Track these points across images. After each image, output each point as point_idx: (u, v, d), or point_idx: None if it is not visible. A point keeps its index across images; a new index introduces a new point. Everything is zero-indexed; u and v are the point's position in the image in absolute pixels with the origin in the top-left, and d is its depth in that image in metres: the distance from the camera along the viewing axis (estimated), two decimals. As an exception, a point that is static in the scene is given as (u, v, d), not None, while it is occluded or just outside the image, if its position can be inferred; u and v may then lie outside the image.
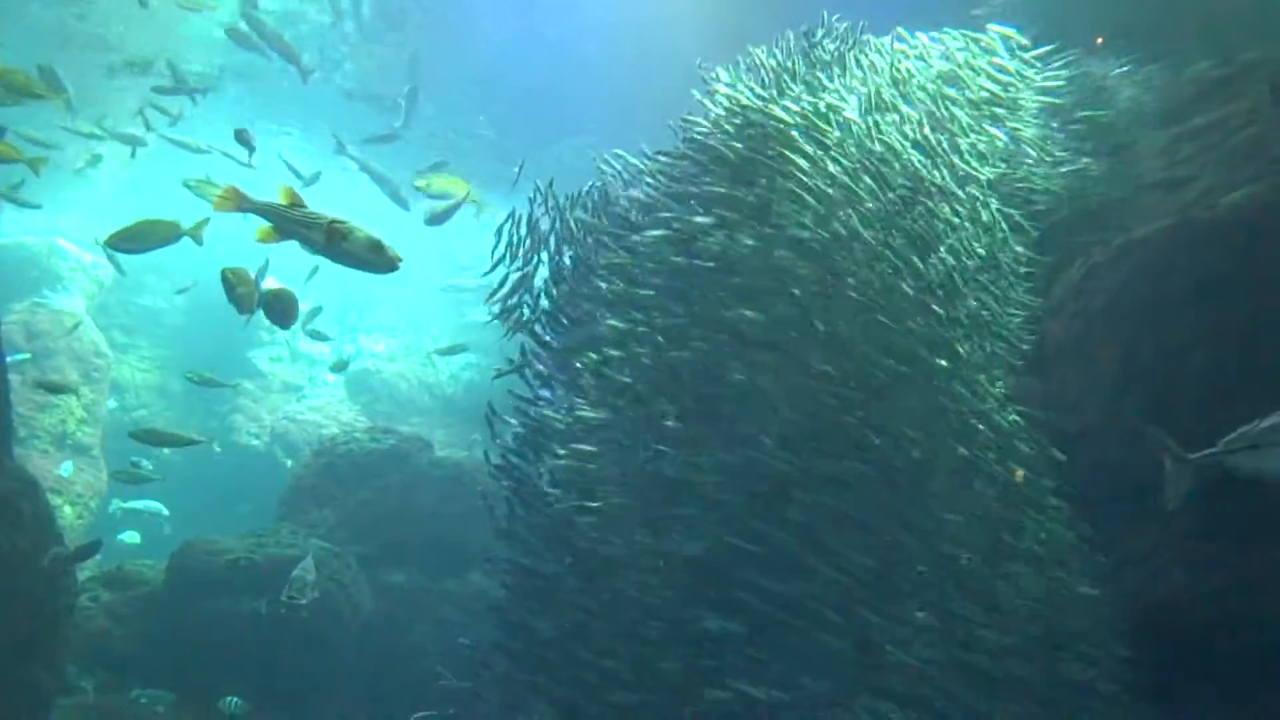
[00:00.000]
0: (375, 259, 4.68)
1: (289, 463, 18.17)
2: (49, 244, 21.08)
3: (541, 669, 5.72)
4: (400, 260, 4.71)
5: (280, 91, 16.63)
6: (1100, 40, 8.43)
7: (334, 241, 4.64)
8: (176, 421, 20.07)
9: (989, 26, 7.60)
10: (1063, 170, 7.31)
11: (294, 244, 4.80)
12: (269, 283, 7.06)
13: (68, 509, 14.95)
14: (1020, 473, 5.84)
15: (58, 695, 7.65)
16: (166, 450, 19.20)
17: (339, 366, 18.68)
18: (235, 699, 8.45)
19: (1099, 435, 6.09)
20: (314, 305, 13.76)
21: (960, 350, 5.71)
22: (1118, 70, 8.04)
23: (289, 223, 4.72)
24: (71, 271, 20.84)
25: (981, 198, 6.53)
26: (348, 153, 13.76)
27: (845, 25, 7.06)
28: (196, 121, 14.68)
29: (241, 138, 10.03)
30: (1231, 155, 6.46)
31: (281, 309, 6.66)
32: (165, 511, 15.56)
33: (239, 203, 4.87)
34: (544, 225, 7.03)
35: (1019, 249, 6.68)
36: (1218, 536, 5.42)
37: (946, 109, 6.70)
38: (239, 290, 6.70)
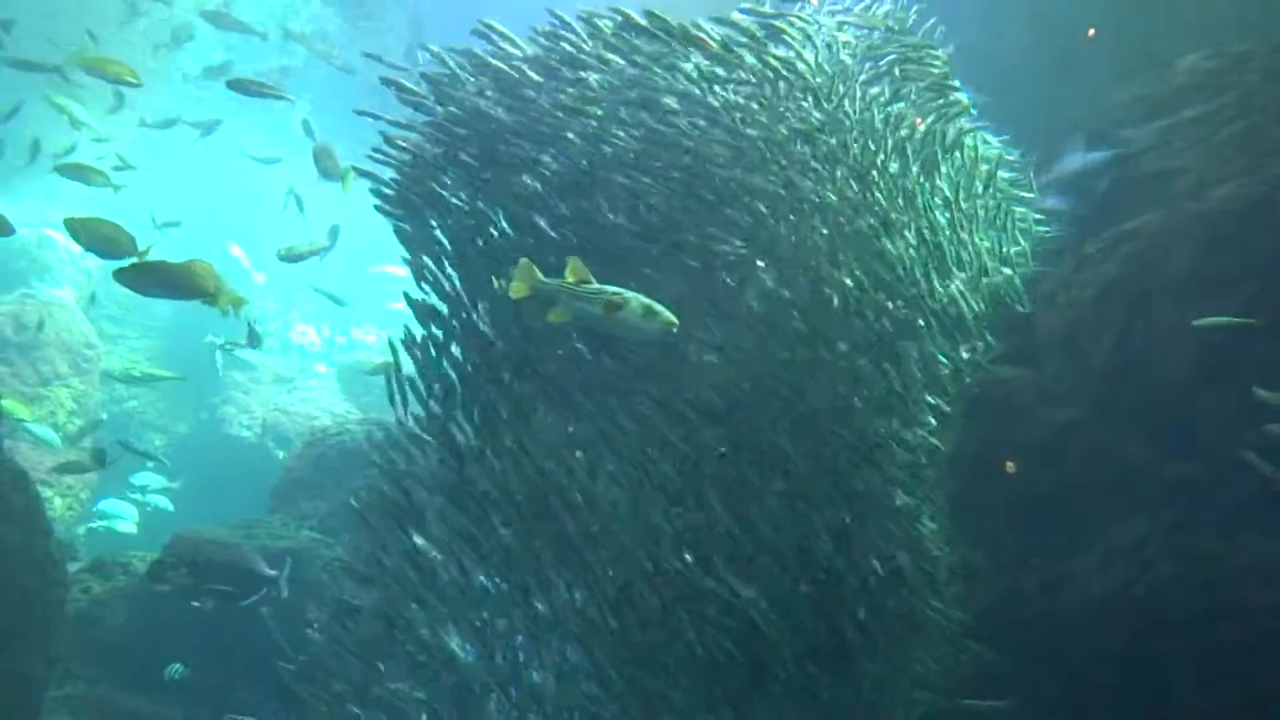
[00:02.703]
0: (649, 325, 4.91)
1: (281, 454, 18.12)
2: (38, 234, 20.95)
3: None
4: (675, 327, 4.92)
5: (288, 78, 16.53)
6: (1092, 32, 8.42)
7: (611, 314, 4.90)
8: (167, 413, 20.04)
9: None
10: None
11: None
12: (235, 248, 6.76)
13: (58, 501, 14.92)
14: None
15: (49, 687, 7.63)
16: (159, 441, 19.29)
17: (377, 371, 17.90)
18: (178, 665, 8.58)
19: (1090, 426, 6.12)
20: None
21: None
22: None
23: (574, 299, 5.01)
24: (60, 262, 20.73)
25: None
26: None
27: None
28: (203, 108, 14.51)
29: (248, 87, 8.88)
30: (1222, 147, 6.48)
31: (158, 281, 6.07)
32: (168, 502, 15.56)
33: (533, 286, 5.07)
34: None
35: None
36: (1207, 528, 5.45)
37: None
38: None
